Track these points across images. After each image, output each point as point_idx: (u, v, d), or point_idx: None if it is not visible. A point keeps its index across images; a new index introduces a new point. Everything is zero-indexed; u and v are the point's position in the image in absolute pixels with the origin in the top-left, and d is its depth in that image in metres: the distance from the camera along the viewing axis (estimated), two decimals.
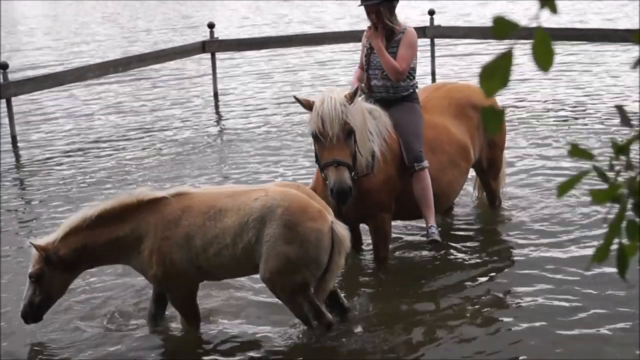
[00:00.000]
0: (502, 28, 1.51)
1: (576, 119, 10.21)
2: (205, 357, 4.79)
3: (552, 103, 11.19)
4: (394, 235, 6.16)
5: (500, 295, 5.43)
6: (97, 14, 32.44)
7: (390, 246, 6.00)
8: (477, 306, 5.24)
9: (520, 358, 4.57)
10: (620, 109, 1.78)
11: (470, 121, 6.21)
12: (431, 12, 13.23)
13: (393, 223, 6.02)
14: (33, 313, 4.87)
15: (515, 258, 6.00)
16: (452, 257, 6.05)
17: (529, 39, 1.51)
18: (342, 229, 4.63)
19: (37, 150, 10.29)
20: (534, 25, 1.52)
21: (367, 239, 6.12)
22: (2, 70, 10.35)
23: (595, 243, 6.05)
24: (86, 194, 8.14)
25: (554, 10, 1.54)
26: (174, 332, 5.08)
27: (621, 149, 1.62)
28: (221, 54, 14.12)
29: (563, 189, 1.61)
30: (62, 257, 4.75)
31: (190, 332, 4.99)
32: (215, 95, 13.04)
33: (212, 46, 13.08)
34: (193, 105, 12.68)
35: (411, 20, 13.33)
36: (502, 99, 10.70)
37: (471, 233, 6.58)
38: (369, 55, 5.93)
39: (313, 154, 5.63)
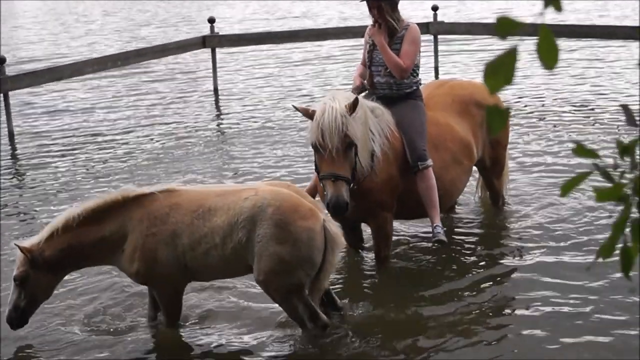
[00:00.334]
0: (506, 27, 1.50)
1: (581, 116, 10.11)
2: None
3: (557, 101, 11.10)
4: (395, 234, 6.07)
5: (503, 297, 5.35)
6: (97, 10, 32.39)
7: (392, 246, 5.93)
8: (479, 308, 5.16)
9: None
10: (626, 108, 1.74)
11: (473, 119, 6.15)
12: (434, 8, 13.16)
13: (395, 222, 5.95)
14: (18, 317, 4.76)
15: (518, 259, 5.91)
16: (455, 258, 5.97)
17: (534, 35, 1.50)
18: (335, 227, 4.57)
19: (35, 146, 10.22)
20: (538, 22, 1.47)
21: (368, 238, 6.05)
22: None
23: (599, 238, 6.00)
24: (84, 190, 8.10)
25: (558, 8, 1.47)
26: (169, 337, 4.96)
27: (626, 149, 1.62)
28: (221, 49, 14.04)
29: (566, 188, 1.62)
30: (48, 258, 4.66)
31: (168, 331, 4.90)
32: (215, 90, 12.98)
33: (212, 41, 13.00)
34: (192, 100, 12.62)
35: (415, 17, 13.25)
36: (505, 96, 10.62)
37: (474, 233, 6.50)
38: (372, 52, 5.85)
39: (312, 152, 5.54)
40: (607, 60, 13.82)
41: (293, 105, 5.41)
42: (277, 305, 4.81)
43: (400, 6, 5.85)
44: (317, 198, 5.49)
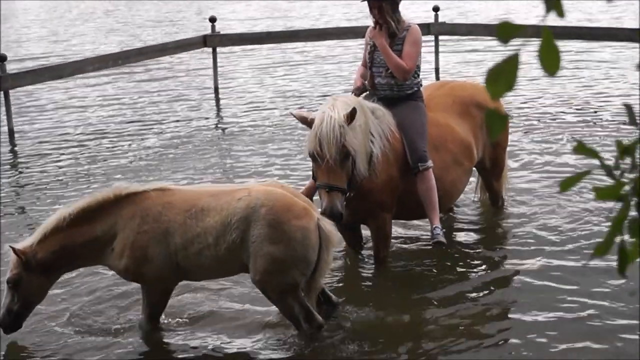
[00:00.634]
0: (507, 31, 1.51)
1: (581, 118, 10.10)
2: None
3: (557, 102, 11.08)
4: (393, 235, 6.07)
5: (503, 300, 5.33)
6: (98, 8, 32.38)
7: (391, 247, 5.93)
8: (477, 311, 5.15)
9: None
10: (628, 107, 1.73)
11: (473, 120, 6.14)
12: (436, 9, 13.15)
13: (393, 223, 5.95)
14: (11, 321, 4.73)
15: (517, 261, 5.89)
16: (454, 259, 5.95)
17: (535, 37, 1.52)
18: (329, 226, 4.56)
19: (35, 144, 10.21)
20: (540, 27, 1.47)
21: (366, 239, 6.05)
22: (0, 63, 10.26)
23: (597, 239, 5.97)
24: (83, 188, 8.07)
25: (561, 14, 1.46)
26: (163, 339, 4.93)
27: (626, 150, 1.62)
28: (222, 48, 14.03)
29: (566, 184, 1.62)
30: (41, 260, 4.62)
31: (147, 329, 4.86)
32: (216, 90, 12.96)
33: (213, 40, 12.99)
34: (193, 100, 12.60)
35: (417, 17, 13.24)
36: (506, 98, 10.59)
37: (474, 235, 6.50)
38: (373, 53, 5.85)
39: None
40: (608, 62, 13.80)
41: (290, 112, 5.42)
42: (272, 308, 4.81)
43: (401, 6, 5.85)
44: (317, 197, 5.48)
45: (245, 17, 25.49)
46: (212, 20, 13.06)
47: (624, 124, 9.47)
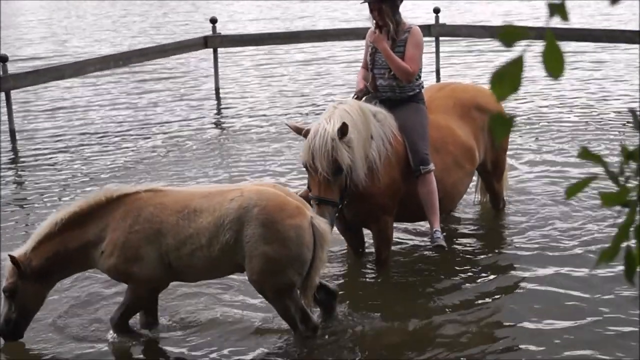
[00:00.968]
0: (510, 36, 1.50)
1: (583, 121, 10.09)
2: None
3: (559, 105, 11.07)
4: (395, 238, 6.07)
5: (503, 304, 5.33)
6: (100, 9, 32.37)
7: (392, 250, 5.93)
8: (479, 311, 5.15)
9: None
10: (633, 112, 1.73)
11: (474, 122, 6.14)
12: (436, 11, 13.15)
13: (395, 226, 5.96)
14: (11, 330, 4.71)
15: (519, 265, 5.88)
16: (455, 263, 5.94)
17: (537, 40, 1.52)
18: (323, 224, 4.57)
19: (36, 145, 10.21)
20: (543, 31, 1.47)
21: (368, 239, 6.05)
22: (1, 63, 10.26)
23: (600, 246, 5.98)
24: (85, 190, 8.06)
25: (565, 17, 1.46)
26: (162, 345, 4.92)
27: (631, 155, 1.61)
28: (223, 49, 14.03)
29: (572, 191, 1.61)
30: (35, 268, 4.61)
31: (116, 325, 4.78)
32: (217, 91, 12.96)
33: (214, 42, 12.98)
34: (194, 101, 12.60)
35: (417, 19, 13.23)
36: (508, 99, 10.58)
37: (474, 237, 6.49)
38: (374, 55, 5.85)
39: None
40: (609, 64, 13.80)
41: (285, 123, 5.45)
42: (271, 315, 4.82)
43: (401, 8, 5.84)
44: None
45: (246, 18, 25.48)
46: (213, 21, 13.06)
47: (624, 125, 9.47)
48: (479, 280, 5.63)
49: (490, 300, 5.34)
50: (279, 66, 15.42)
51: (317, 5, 27.92)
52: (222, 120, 11.44)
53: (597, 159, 1.60)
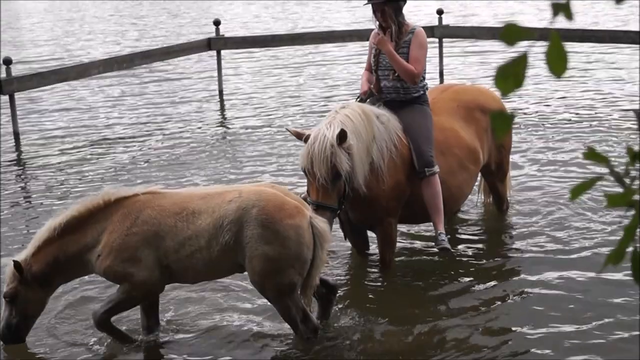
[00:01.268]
0: (512, 34, 1.51)
1: (586, 121, 10.07)
2: None
3: (562, 106, 11.06)
4: (399, 241, 6.07)
5: (507, 306, 5.32)
6: (102, 11, 32.42)
7: (397, 253, 5.93)
8: (483, 314, 5.15)
9: None
10: (638, 114, 1.72)
11: (478, 123, 6.14)
12: (439, 12, 13.15)
13: (400, 227, 5.97)
14: (12, 335, 4.71)
15: (522, 267, 5.87)
16: (459, 265, 5.92)
17: (541, 40, 1.52)
18: (322, 223, 4.57)
19: (40, 147, 10.23)
20: (547, 29, 1.47)
21: (372, 241, 6.06)
22: (5, 66, 10.29)
23: (605, 249, 5.96)
24: (88, 192, 8.06)
25: (569, 16, 1.46)
26: (162, 352, 4.90)
27: (637, 156, 1.61)
28: (227, 51, 14.04)
29: (576, 192, 1.61)
30: (36, 273, 4.61)
31: (98, 319, 4.73)
32: (220, 93, 12.97)
33: (217, 43, 13.00)
34: (197, 103, 12.61)
35: (421, 20, 13.24)
36: (509, 102, 10.58)
37: (478, 238, 6.48)
38: (378, 56, 5.85)
39: None
40: (612, 65, 13.78)
41: (286, 128, 5.46)
42: (272, 323, 4.83)
43: (404, 9, 5.85)
44: None
45: (249, 19, 25.51)
46: (217, 23, 13.07)
47: (630, 130, 9.45)
48: (482, 284, 5.60)
49: (493, 304, 5.31)
50: (282, 68, 15.43)
51: (319, 7, 27.92)
52: (226, 122, 11.45)
53: (603, 160, 1.59)
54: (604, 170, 1.59)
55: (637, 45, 12.27)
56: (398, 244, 5.99)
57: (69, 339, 5.04)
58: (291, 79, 14.20)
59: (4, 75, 10.34)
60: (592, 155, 1.60)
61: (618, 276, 5.38)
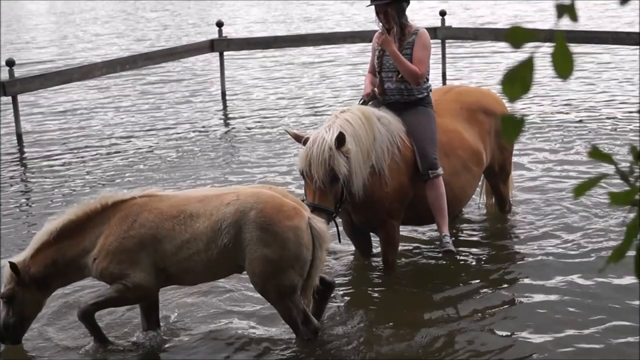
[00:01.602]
0: (517, 37, 1.51)
1: (589, 122, 10.06)
2: None
3: (565, 107, 11.04)
4: (402, 243, 6.06)
5: (511, 308, 5.31)
6: (105, 12, 32.45)
7: (400, 255, 5.93)
8: (486, 316, 5.13)
9: None
10: None
11: (481, 125, 6.15)
12: (442, 13, 13.15)
13: (403, 230, 5.97)
14: (9, 336, 4.71)
15: (525, 266, 5.86)
16: (461, 265, 5.93)
17: (545, 42, 1.52)
18: (320, 224, 4.58)
19: (43, 148, 10.24)
20: (551, 31, 1.46)
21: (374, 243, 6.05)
22: (8, 67, 10.30)
23: (608, 252, 5.94)
24: (91, 193, 8.07)
25: (574, 18, 1.45)
26: (157, 351, 4.90)
27: None
28: (229, 52, 14.04)
29: (580, 190, 1.61)
30: (33, 275, 4.62)
31: (83, 311, 4.70)
32: (223, 94, 12.97)
33: (220, 45, 13.00)
34: (200, 104, 12.61)
35: (425, 22, 13.23)
36: (513, 103, 10.56)
37: (481, 241, 6.46)
38: (382, 58, 5.83)
39: None
40: (615, 66, 13.76)
41: (285, 130, 5.45)
42: (274, 329, 4.83)
43: (407, 11, 5.84)
44: None
45: (253, 21, 25.52)
46: (219, 24, 13.07)
47: (633, 132, 9.43)
48: (485, 288, 5.58)
49: (496, 308, 5.29)
50: (285, 69, 15.42)
51: (321, 8, 27.93)
52: (229, 123, 11.45)
53: (607, 159, 1.59)
54: (607, 169, 1.58)
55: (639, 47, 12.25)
56: (401, 247, 5.98)
57: (65, 342, 5.01)
58: (294, 81, 14.19)
59: (7, 76, 10.35)
60: (597, 154, 1.60)
61: (622, 281, 5.35)
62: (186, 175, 8.68)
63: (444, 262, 5.95)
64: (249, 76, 14.95)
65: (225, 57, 13.19)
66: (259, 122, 11.17)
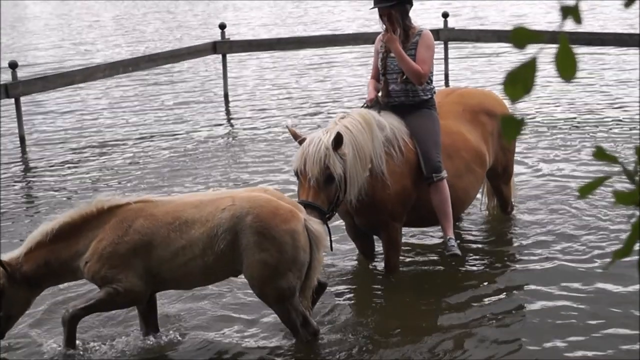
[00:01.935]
0: (521, 38, 1.50)
1: (591, 124, 10.05)
2: None
3: (567, 108, 11.03)
4: (405, 245, 6.06)
5: (513, 310, 5.28)
6: (107, 14, 32.50)
7: (403, 257, 5.93)
8: (489, 322, 5.11)
9: None
10: None
11: (484, 127, 6.15)
12: (445, 15, 13.15)
13: (405, 231, 5.97)
14: None
15: (528, 271, 5.82)
16: (464, 269, 5.90)
17: (548, 43, 1.46)
18: (317, 225, 4.58)
19: (45, 150, 10.25)
20: (554, 32, 1.46)
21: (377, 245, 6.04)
22: (11, 69, 10.32)
23: (609, 251, 5.94)
24: (94, 195, 8.05)
25: (578, 20, 1.45)
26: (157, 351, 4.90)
27: None
28: (232, 54, 14.05)
29: (585, 190, 1.61)
30: (25, 273, 4.62)
31: (71, 315, 4.64)
32: (226, 96, 12.97)
33: (223, 47, 13.01)
34: (203, 106, 12.62)
35: (428, 25, 13.21)
36: (516, 105, 10.55)
37: (483, 243, 6.45)
38: (385, 59, 5.83)
39: None
40: (618, 68, 13.74)
41: (285, 125, 5.44)
42: (274, 335, 4.83)
43: (410, 13, 5.84)
44: None
45: (255, 23, 25.53)
46: (222, 27, 13.08)
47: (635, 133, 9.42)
48: (487, 294, 5.53)
49: (499, 314, 5.24)
50: (288, 71, 15.43)
51: (324, 10, 27.94)
52: (231, 125, 11.45)
53: (612, 159, 1.59)
54: (612, 170, 1.58)
55: None
56: (404, 251, 5.97)
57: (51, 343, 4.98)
58: (297, 83, 14.19)
59: (9, 78, 10.37)
60: (601, 154, 1.60)
61: (627, 288, 5.33)
62: (189, 176, 8.68)
63: (446, 267, 5.92)
64: (252, 78, 14.95)
65: (227, 59, 13.20)
66: (261, 123, 11.17)
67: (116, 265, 4.52)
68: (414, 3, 5.87)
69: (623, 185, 1.57)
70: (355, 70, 14.87)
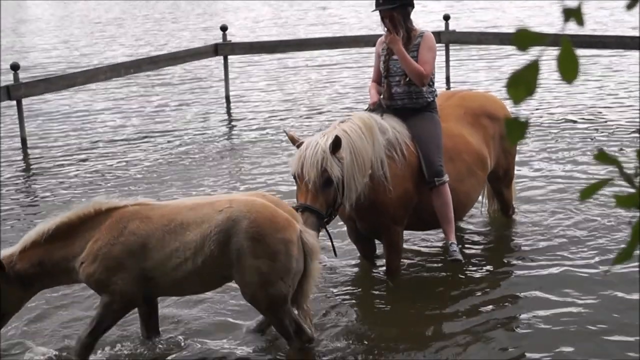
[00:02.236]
0: (524, 40, 1.50)
1: (593, 127, 10.05)
2: None
3: (570, 111, 11.02)
4: (407, 250, 6.05)
5: (517, 313, 5.28)
6: (108, 16, 32.52)
7: (404, 260, 5.92)
8: (490, 328, 5.08)
9: None
10: None
11: (485, 130, 6.15)
12: (446, 17, 13.14)
13: (407, 235, 5.95)
14: None
15: (530, 277, 5.78)
16: (465, 275, 5.87)
17: (550, 46, 1.51)
18: (311, 237, 4.55)
19: (47, 152, 10.25)
20: (557, 35, 1.46)
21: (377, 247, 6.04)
22: (13, 71, 10.33)
23: (612, 256, 5.92)
24: (94, 196, 8.05)
25: (580, 22, 1.45)
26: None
27: None
28: (234, 57, 14.06)
29: (586, 193, 1.61)
30: (18, 272, 4.59)
31: (82, 344, 4.63)
32: (227, 98, 12.98)
33: (224, 49, 13.01)
34: (204, 108, 12.63)
35: (429, 27, 13.21)
36: (517, 107, 10.54)
37: (485, 248, 6.43)
38: (388, 62, 5.81)
39: None
40: (620, 71, 13.74)
41: (284, 130, 5.43)
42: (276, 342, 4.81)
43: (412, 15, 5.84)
44: None
45: (257, 25, 25.55)
46: (224, 29, 13.09)
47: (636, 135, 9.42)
48: (489, 288, 5.56)
49: (501, 308, 5.28)
50: (289, 73, 15.44)
51: (325, 12, 27.96)
52: (233, 127, 11.45)
53: (613, 162, 1.59)
54: (614, 173, 1.58)
55: None
56: (405, 255, 5.96)
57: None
58: (298, 85, 14.20)
59: (11, 80, 10.38)
60: (602, 157, 1.59)
61: (630, 295, 5.31)
62: (190, 178, 8.67)
63: (447, 272, 5.89)
64: (253, 80, 14.96)
65: (229, 61, 13.20)
66: (263, 126, 11.17)
67: (110, 268, 4.49)
68: (415, 5, 5.86)
69: (626, 188, 1.57)
70: (357, 72, 14.87)
